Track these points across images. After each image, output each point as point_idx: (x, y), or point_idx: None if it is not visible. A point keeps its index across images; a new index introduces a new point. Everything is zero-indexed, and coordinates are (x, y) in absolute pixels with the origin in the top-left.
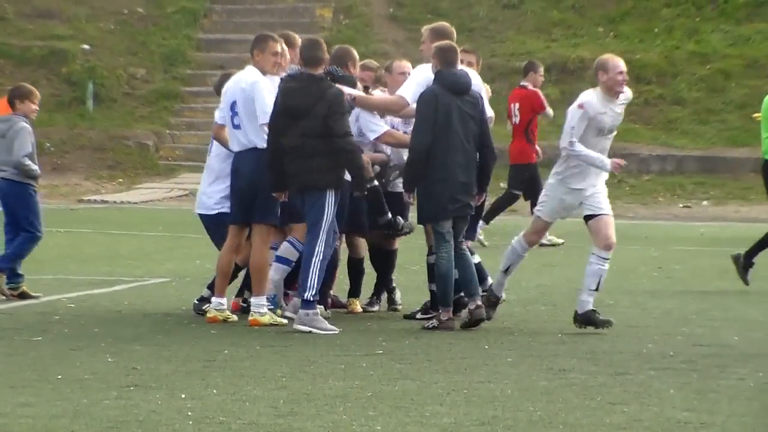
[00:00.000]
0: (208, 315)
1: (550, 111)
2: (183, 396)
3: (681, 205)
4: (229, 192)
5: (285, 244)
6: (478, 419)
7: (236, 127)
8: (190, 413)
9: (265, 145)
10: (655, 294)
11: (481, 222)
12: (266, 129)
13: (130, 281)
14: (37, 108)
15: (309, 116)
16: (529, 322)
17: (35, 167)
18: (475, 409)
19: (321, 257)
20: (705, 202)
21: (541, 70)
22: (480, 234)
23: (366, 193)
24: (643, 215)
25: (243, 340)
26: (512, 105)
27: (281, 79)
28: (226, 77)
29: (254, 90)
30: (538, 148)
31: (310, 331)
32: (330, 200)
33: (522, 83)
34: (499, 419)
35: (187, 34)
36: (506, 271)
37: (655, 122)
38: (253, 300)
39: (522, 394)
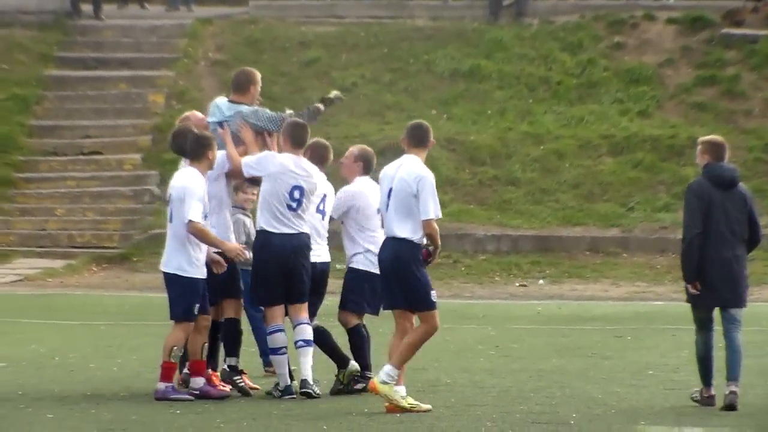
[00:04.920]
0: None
1: None
2: None
3: (517, 284)
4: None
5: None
6: None
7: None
8: None
9: None
10: (492, 372)
11: None
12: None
13: None
14: None
15: None
16: (368, 403)
17: None
18: None
19: None
20: (541, 281)
21: None
22: None
23: None
24: (479, 294)
25: (80, 424)
26: None
27: None
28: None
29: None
30: None
31: None
32: None
33: None
34: None
35: (19, 120)
36: None
37: (489, 203)
38: (387, 368)
39: None
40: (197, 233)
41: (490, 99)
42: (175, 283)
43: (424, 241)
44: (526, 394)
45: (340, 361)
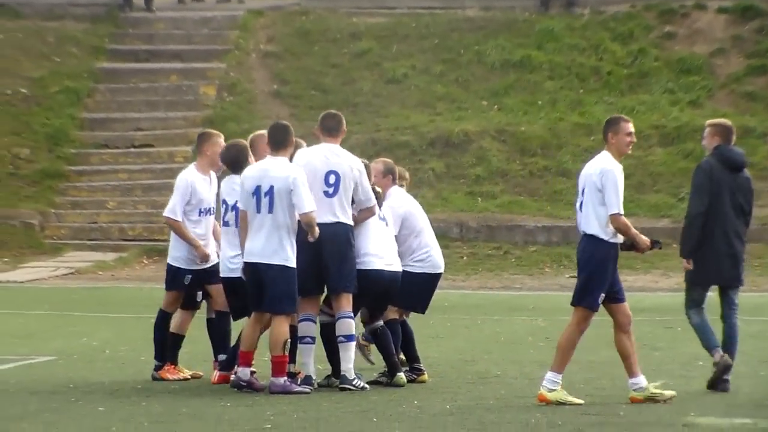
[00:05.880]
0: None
1: None
2: None
3: (567, 276)
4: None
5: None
6: None
7: None
8: None
9: None
10: (542, 364)
11: None
12: None
13: (17, 360)
14: None
15: None
16: (417, 393)
17: None
18: None
19: None
20: None
21: None
22: None
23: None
24: (529, 286)
25: (131, 417)
26: None
27: None
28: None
29: None
30: None
31: None
32: None
33: None
34: None
35: (71, 113)
36: None
37: (540, 193)
38: (548, 374)
39: None
40: (313, 222)
41: (541, 89)
42: (285, 274)
43: (619, 238)
44: (576, 385)
45: (390, 368)
